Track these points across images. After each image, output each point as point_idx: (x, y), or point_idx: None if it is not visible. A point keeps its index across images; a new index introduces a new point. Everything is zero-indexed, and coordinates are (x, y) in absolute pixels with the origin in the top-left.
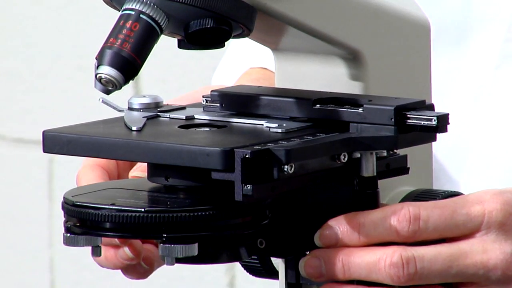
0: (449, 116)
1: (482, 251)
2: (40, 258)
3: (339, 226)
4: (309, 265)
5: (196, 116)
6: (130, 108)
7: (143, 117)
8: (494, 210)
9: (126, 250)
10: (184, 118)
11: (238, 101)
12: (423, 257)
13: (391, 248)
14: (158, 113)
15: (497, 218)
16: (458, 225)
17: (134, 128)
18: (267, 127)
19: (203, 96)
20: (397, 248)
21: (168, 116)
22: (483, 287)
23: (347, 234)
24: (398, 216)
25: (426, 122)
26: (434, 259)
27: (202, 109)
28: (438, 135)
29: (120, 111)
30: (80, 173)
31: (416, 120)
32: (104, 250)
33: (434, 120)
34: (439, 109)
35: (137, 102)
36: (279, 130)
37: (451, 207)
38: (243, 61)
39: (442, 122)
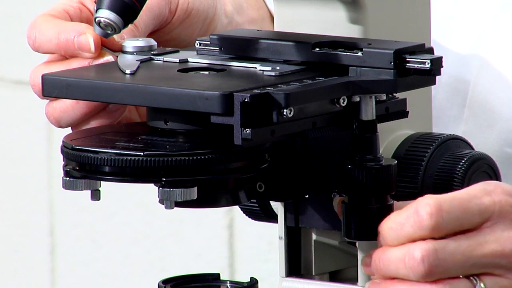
0: (443, 60)
1: (495, 240)
2: (40, 199)
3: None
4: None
5: (190, 60)
6: (124, 51)
7: (137, 60)
8: (502, 200)
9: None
10: (178, 61)
11: (237, 45)
12: (444, 248)
13: (416, 243)
14: (152, 57)
15: (505, 208)
16: (475, 215)
17: (127, 72)
18: (260, 70)
19: (197, 40)
20: (420, 242)
21: (161, 60)
22: (499, 276)
23: (381, 239)
24: (421, 211)
25: (419, 65)
26: (455, 250)
27: (195, 52)
28: (441, 77)
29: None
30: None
31: (413, 64)
32: None
33: (428, 63)
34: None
35: (130, 45)
36: (272, 73)
37: (466, 197)
38: None
39: (436, 65)
